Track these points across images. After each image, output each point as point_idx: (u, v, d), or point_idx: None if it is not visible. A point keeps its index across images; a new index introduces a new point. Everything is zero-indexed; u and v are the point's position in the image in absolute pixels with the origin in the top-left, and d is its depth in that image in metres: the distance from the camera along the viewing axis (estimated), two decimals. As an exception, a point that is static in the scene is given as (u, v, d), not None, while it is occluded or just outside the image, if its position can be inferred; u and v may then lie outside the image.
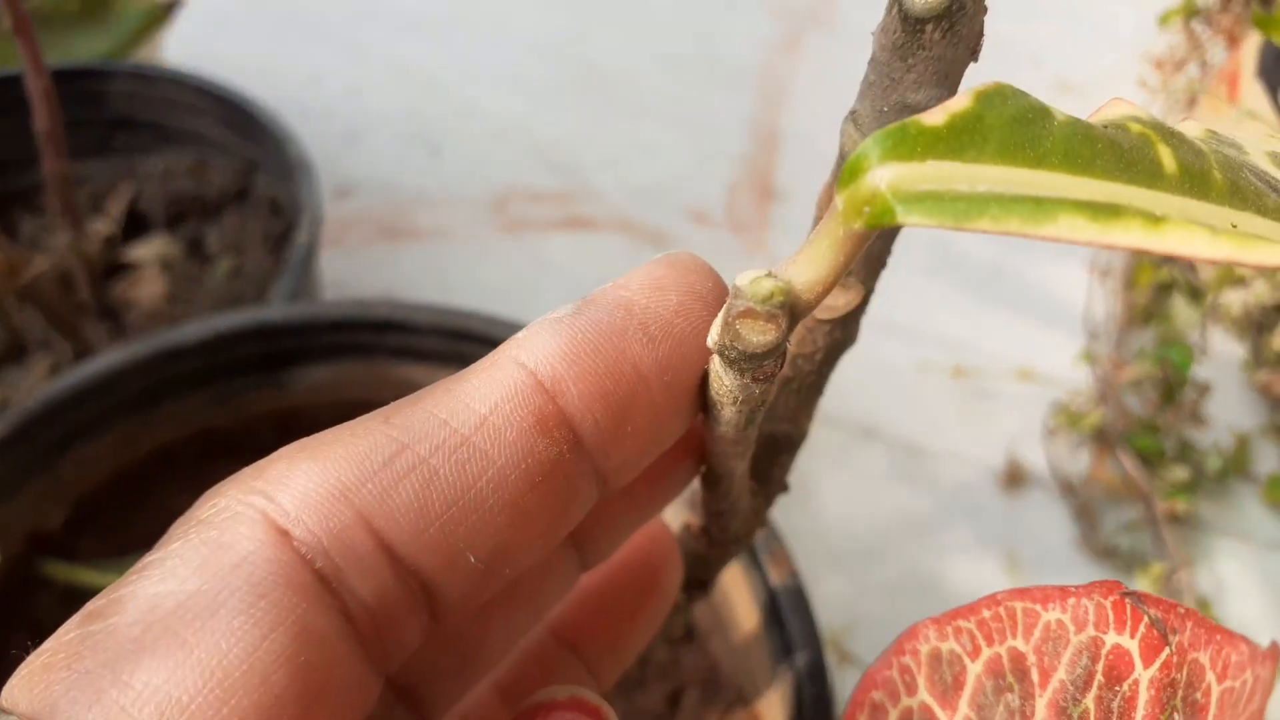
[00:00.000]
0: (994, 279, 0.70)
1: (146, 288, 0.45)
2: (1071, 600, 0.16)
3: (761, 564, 0.31)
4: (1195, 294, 0.60)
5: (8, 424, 0.32)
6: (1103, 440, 0.59)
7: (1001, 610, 0.17)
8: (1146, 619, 0.14)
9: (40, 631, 0.29)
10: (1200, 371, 0.61)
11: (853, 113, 0.18)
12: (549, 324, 0.15)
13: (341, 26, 0.84)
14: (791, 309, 0.15)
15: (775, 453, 0.23)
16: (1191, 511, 0.57)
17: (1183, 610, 0.14)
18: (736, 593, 0.33)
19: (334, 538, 0.13)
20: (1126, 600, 0.15)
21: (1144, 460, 0.58)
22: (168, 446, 0.35)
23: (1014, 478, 0.60)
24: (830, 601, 0.55)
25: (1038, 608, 0.16)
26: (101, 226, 0.46)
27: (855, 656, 0.51)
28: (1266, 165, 0.16)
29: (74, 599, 0.33)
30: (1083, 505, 0.58)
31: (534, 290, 0.66)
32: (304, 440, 0.14)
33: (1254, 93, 0.63)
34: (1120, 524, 0.57)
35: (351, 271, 0.65)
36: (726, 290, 0.17)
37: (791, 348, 0.21)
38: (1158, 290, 0.65)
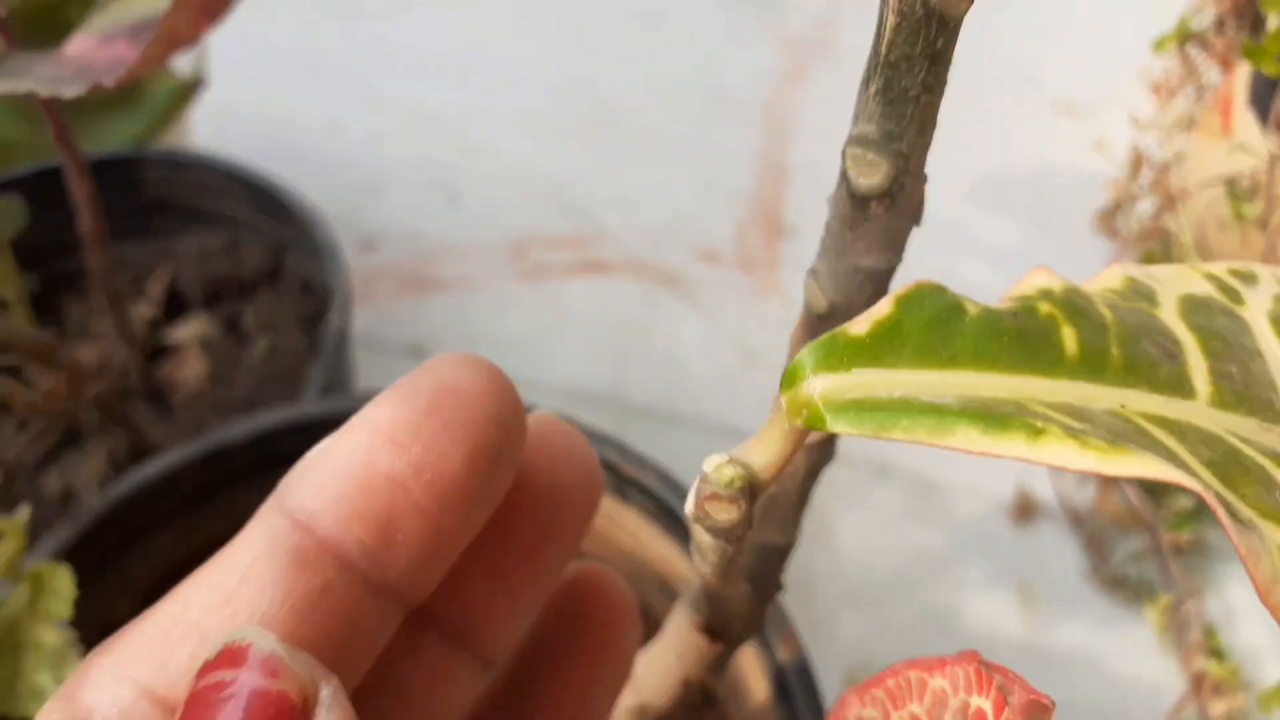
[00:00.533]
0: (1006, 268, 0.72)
1: (190, 369, 0.47)
2: (949, 668, 0.18)
3: (770, 642, 0.34)
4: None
5: (81, 526, 0.34)
6: (1109, 479, 0.61)
7: (901, 679, 0.19)
8: (996, 682, 0.16)
9: None
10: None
11: (813, 270, 0.20)
12: (303, 464, 0.16)
13: (360, 75, 0.86)
14: (751, 489, 0.17)
15: (766, 559, 0.25)
16: (1197, 540, 0.59)
17: (1013, 675, 0.16)
18: (749, 665, 0.35)
19: (122, 714, 0.14)
20: (982, 668, 0.17)
21: (1147, 490, 0.60)
22: (218, 538, 0.38)
23: (1024, 510, 0.62)
24: (850, 640, 0.57)
25: (926, 676, 0.19)
26: (144, 310, 0.48)
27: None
28: (1172, 319, 0.18)
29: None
30: (1091, 536, 0.60)
31: (554, 337, 0.68)
32: (109, 639, 0.16)
33: (1246, 121, 0.64)
34: (1128, 554, 0.59)
35: (380, 326, 0.67)
36: (496, 372, 0.18)
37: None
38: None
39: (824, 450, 0.25)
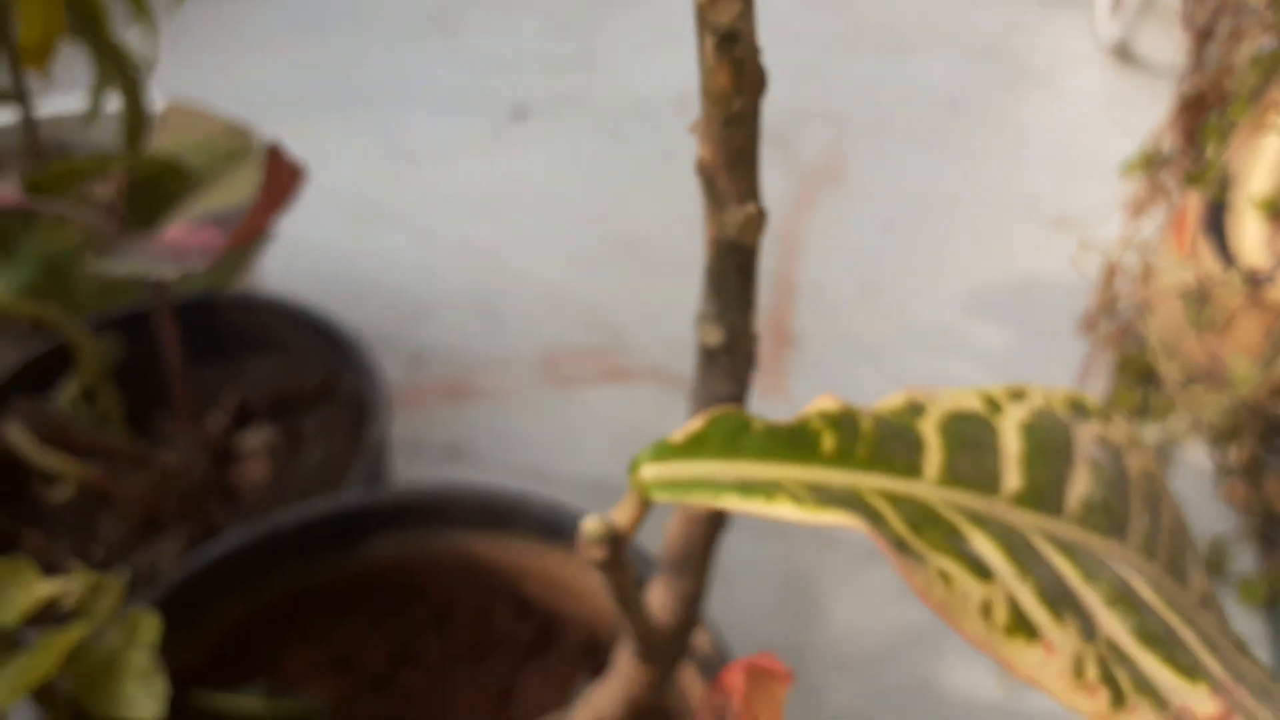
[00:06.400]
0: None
1: (256, 470, 0.56)
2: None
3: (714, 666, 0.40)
4: (1164, 409, 0.67)
5: (163, 591, 0.43)
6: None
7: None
8: None
9: None
10: (1174, 485, 0.68)
11: (692, 390, 0.29)
12: None
13: (412, 213, 0.97)
14: (615, 538, 0.25)
15: (684, 599, 0.33)
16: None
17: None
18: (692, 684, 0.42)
19: None
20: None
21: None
22: (272, 603, 0.46)
23: (1002, 592, 0.67)
24: (838, 707, 0.63)
25: None
26: (219, 421, 0.58)
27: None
28: (928, 428, 0.26)
29: (210, 714, 0.44)
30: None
31: (577, 441, 0.77)
32: None
33: (1199, 239, 0.71)
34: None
35: (423, 430, 0.76)
36: None
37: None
38: (1135, 413, 0.72)
39: (715, 521, 0.33)
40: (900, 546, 0.22)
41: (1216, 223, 0.71)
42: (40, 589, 0.36)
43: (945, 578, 0.22)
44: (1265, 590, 0.66)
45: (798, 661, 0.65)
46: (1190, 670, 0.22)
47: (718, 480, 0.23)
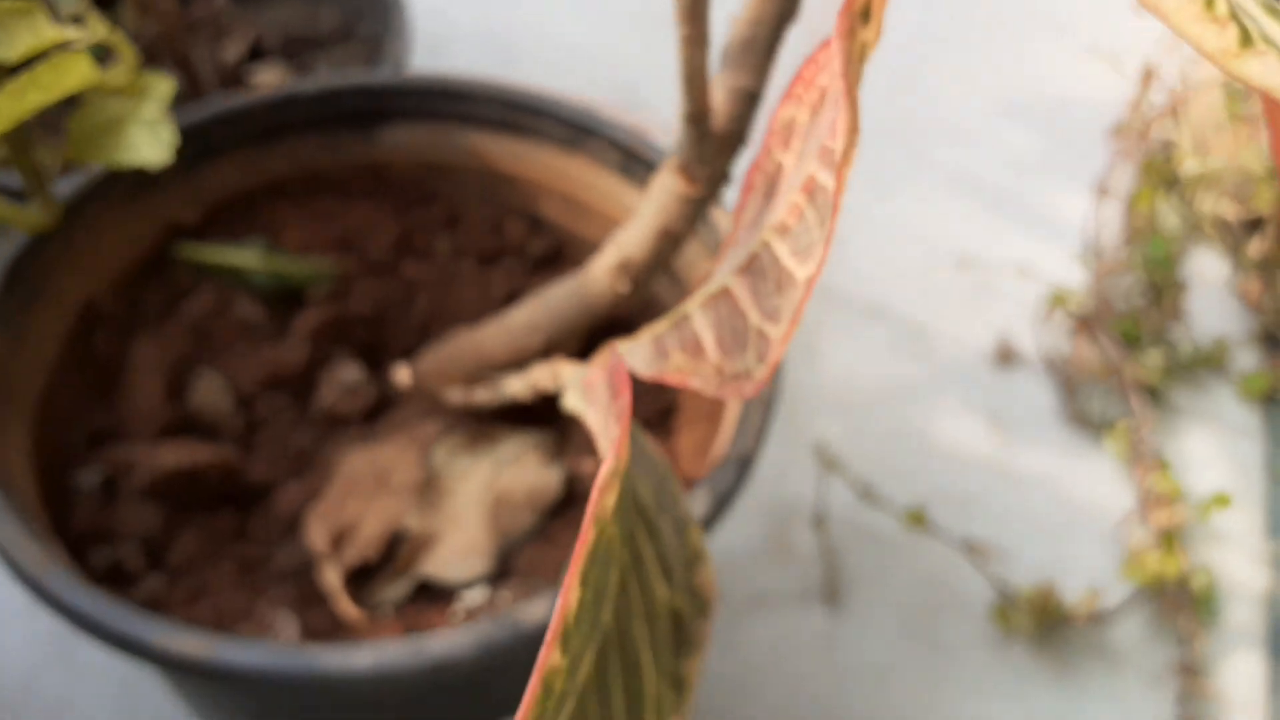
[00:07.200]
0: (1005, 199, 0.77)
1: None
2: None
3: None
4: (1178, 193, 0.66)
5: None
6: (1087, 325, 0.65)
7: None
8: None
9: (174, 289, 0.38)
10: (1188, 282, 0.67)
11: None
12: None
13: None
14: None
15: (739, 103, 0.31)
16: (1165, 396, 0.63)
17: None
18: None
19: None
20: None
21: (1124, 344, 0.64)
22: (279, 179, 0.44)
23: (1004, 357, 0.66)
24: (823, 435, 0.61)
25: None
26: (231, 51, 0.55)
27: (841, 465, 0.58)
28: None
29: (199, 270, 0.42)
30: (1065, 381, 0.64)
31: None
32: None
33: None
34: (1097, 397, 0.64)
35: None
36: None
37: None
38: (1154, 214, 0.71)
39: (785, 7, 0.30)
40: None
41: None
42: (48, 32, 0.34)
43: None
44: (1266, 385, 0.65)
45: (790, 399, 0.64)
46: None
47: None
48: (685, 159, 0.32)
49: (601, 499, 0.19)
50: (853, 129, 0.18)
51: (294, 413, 0.40)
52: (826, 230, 0.21)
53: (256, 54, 0.57)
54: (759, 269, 0.24)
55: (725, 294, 0.25)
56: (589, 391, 0.28)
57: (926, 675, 0.53)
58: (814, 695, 0.52)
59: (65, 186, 0.39)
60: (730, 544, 0.59)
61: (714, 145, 0.31)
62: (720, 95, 0.31)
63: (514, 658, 0.30)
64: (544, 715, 0.18)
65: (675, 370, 0.26)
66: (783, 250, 0.23)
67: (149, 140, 0.32)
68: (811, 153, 0.23)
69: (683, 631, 0.26)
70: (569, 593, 0.18)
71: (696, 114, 0.30)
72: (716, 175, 0.32)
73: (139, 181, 0.41)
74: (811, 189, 0.22)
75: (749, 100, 0.31)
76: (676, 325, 0.27)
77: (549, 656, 0.18)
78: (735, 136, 0.31)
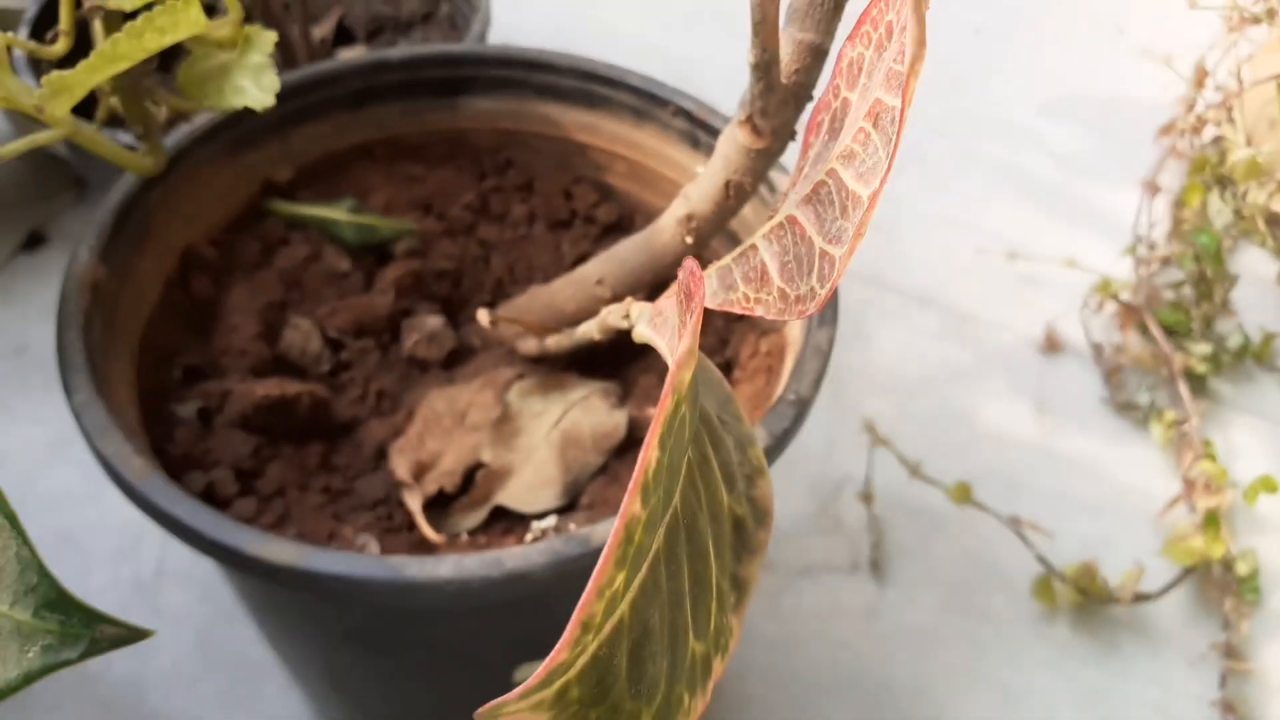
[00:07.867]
0: (1054, 194, 0.78)
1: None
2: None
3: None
4: (1229, 188, 0.67)
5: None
6: (1135, 315, 0.66)
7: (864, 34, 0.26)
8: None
9: (267, 240, 0.41)
10: (1237, 279, 0.68)
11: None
12: None
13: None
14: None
15: (805, 58, 0.33)
16: (1211, 387, 0.64)
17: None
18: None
19: None
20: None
21: (1171, 334, 0.65)
22: (367, 143, 0.47)
23: (1052, 345, 0.67)
24: (872, 414, 0.63)
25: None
26: (320, 31, 0.58)
27: (889, 443, 0.60)
28: None
29: (290, 225, 0.45)
30: (1111, 370, 0.65)
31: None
32: None
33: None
34: (1144, 386, 0.65)
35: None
36: None
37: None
38: (1204, 210, 0.72)
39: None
40: None
41: None
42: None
43: None
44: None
45: (840, 379, 0.66)
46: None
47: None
48: (751, 111, 0.34)
49: (679, 373, 0.21)
50: (920, 41, 0.20)
51: (378, 357, 0.42)
52: (892, 148, 0.23)
53: (342, 36, 0.60)
54: (825, 196, 0.26)
55: (790, 222, 0.27)
56: (658, 318, 0.30)
57: (968, 646, 0.55)
58: (857, 659, 0.54)
59: (169, 141, 0.42)
60: (781, 515, 0.60)
61: (779, 98, 0.33)
62: (787, 48, 0.33)
63: (582, 576, 0.32)
64: (624, 559, 0.20)
65: (741, 299, 0.28)
66: (848, 175, 0.25)
67: (255, 85, 0.35)
68: (877, 84, 0.25)
69: (744, 536, 0.28)
70: (649, 450, 0.20)
71: (765, 62, 0.31)
72: (781, 128, 0.34)
73: (237, 139, 0.44)
74: (876, 113, 0.24)
75: (815, 54, 0.33)
76: (742, 256, 0.29)
77: (630, 505, 0.20)
78: (801, 89, 0.33)
